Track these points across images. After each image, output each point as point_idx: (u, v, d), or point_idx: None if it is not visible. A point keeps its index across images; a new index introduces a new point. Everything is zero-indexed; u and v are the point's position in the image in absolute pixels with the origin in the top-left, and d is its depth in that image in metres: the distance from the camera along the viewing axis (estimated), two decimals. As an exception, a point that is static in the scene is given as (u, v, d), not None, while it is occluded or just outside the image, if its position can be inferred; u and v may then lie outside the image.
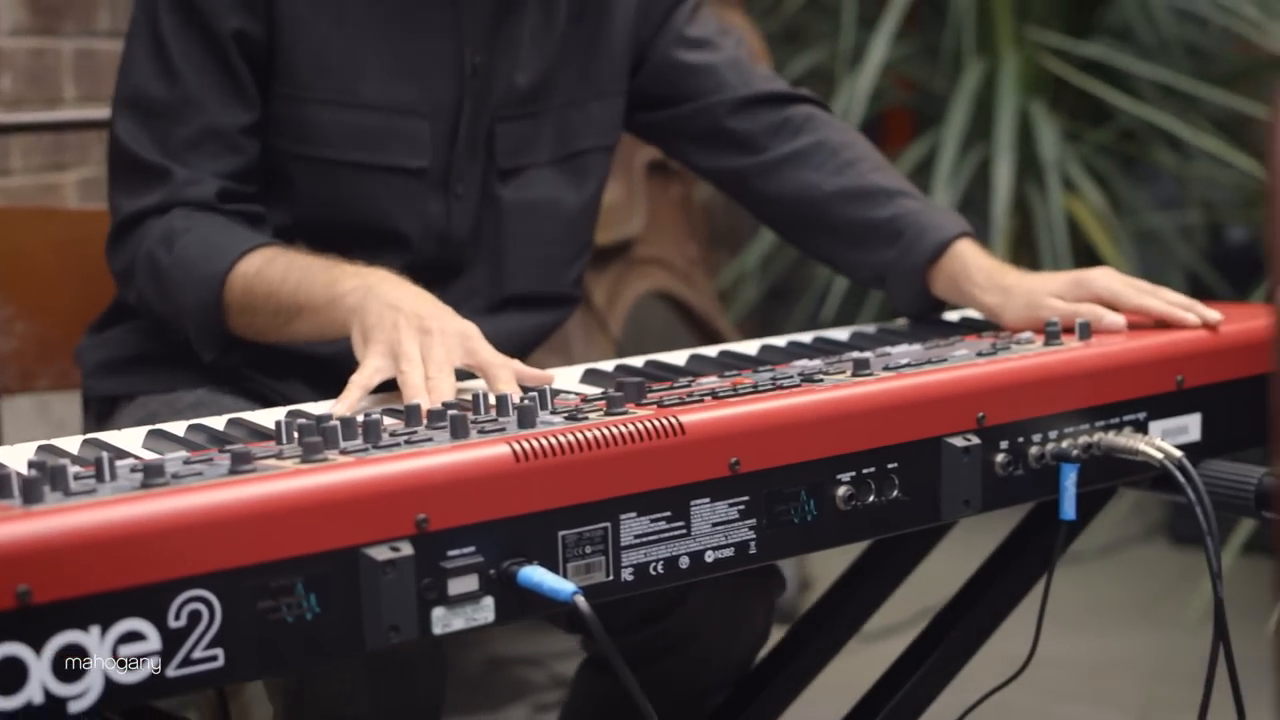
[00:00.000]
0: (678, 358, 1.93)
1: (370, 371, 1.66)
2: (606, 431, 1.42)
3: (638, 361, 1.92)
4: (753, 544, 1.51)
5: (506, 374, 1.66)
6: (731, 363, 1.90)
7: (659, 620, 1.97)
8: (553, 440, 1.40)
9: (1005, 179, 4.29)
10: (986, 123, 4.51)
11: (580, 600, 1.35)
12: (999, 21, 4.58)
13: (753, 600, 2.01)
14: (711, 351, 1.97)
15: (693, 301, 3.85)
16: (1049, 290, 1.96)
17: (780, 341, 2.02)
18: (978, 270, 2.02)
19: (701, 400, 1.53)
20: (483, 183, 2.06)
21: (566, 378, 1.86)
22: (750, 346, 1.99)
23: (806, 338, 2.06)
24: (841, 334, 2.08)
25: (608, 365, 1.90)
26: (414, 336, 1.67)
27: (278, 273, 1.84)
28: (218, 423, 1.66)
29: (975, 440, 1.64)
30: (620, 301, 3.48)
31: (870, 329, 2.10)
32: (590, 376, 1.86)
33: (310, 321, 1.80)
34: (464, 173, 2.04)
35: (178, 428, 1.64)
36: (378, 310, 1.71)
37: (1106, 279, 1.96)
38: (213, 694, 1.99)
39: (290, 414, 1.67)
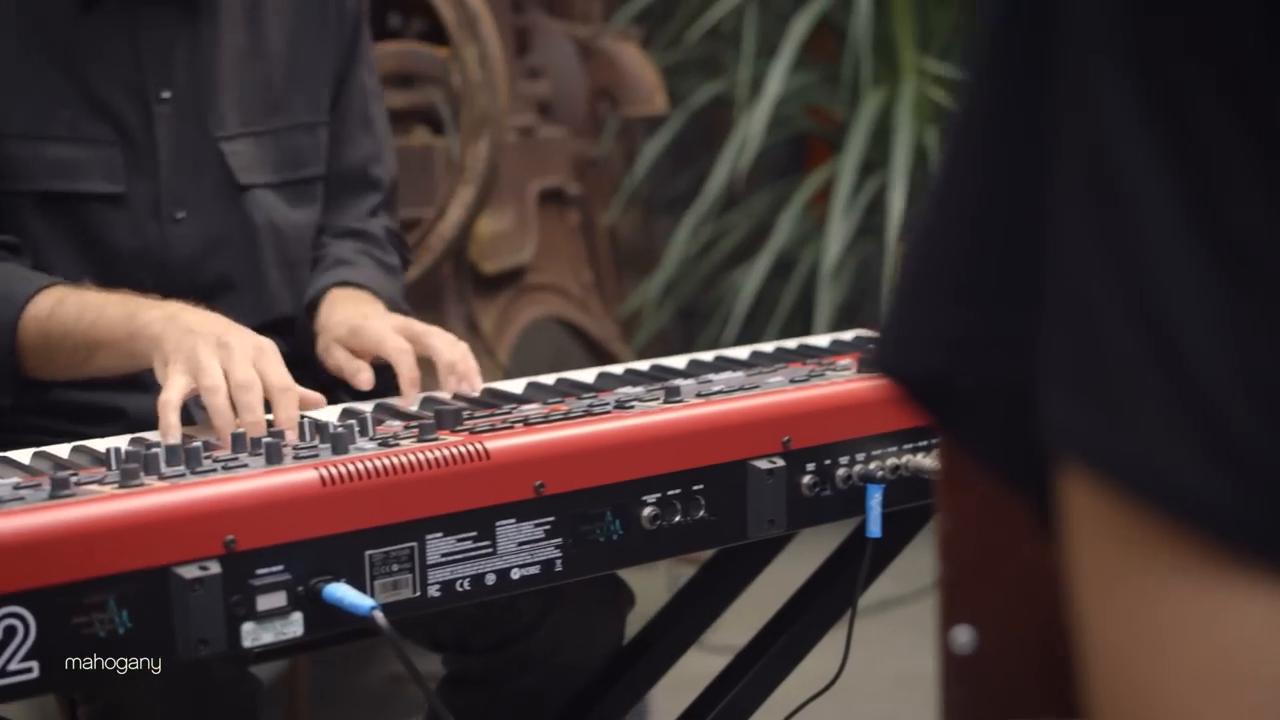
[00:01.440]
0: (515, 385, 2.03)
1: (174, 390, 1.74)
2: (414, 457, 1.52)
3: (474, 391, 2.01)
4: (559, 562, 1.61)
5: (286, 399, 1.76)
6: (565, 390, 1.99)
7: (520, 640, 2.07)
8: (360, 465, 1.49)
9: (899, 206, 4.41)
10: (886, 151, 4.63)
11: (378, 615, 1.44)
12: (900, 51, 4.70)
13: (605, 615, 2.11)
14: (549, 379, 2.07)
15: (589, 327, 3.95)
16: (336, 336, 2.03)
17: (618, 369, 2.12)
18: (340, 304, 2.09)
19: (512, 427, 1.63)
20: (221, 204, 2.16)
21: (402, 404, 1.96)
22: (589, 374, 2.09)
23: (645, 365, 2.16)
24: (706, 356, 2.18)
25: (446, 394, 2.00)
26: (212, 352, 1.76)
27: (71, 312, 1.92)
28: (63, 450, 1.75)
29: (780, 463, 1.74)
30: (509, 329, 3.58)
31: (743, 353, 2.20)
32: (427, 404, 1.96)
33: (110, 355, 1.89)
34: (182, 197, 2.13)
35: (23, 455, 1.74)
36: (176, 336, 1.80)
37: (377, 327, 1.99)
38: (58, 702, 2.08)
39: (133, 440, 1.77)
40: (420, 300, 3.25)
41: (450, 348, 1.96)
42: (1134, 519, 0.58)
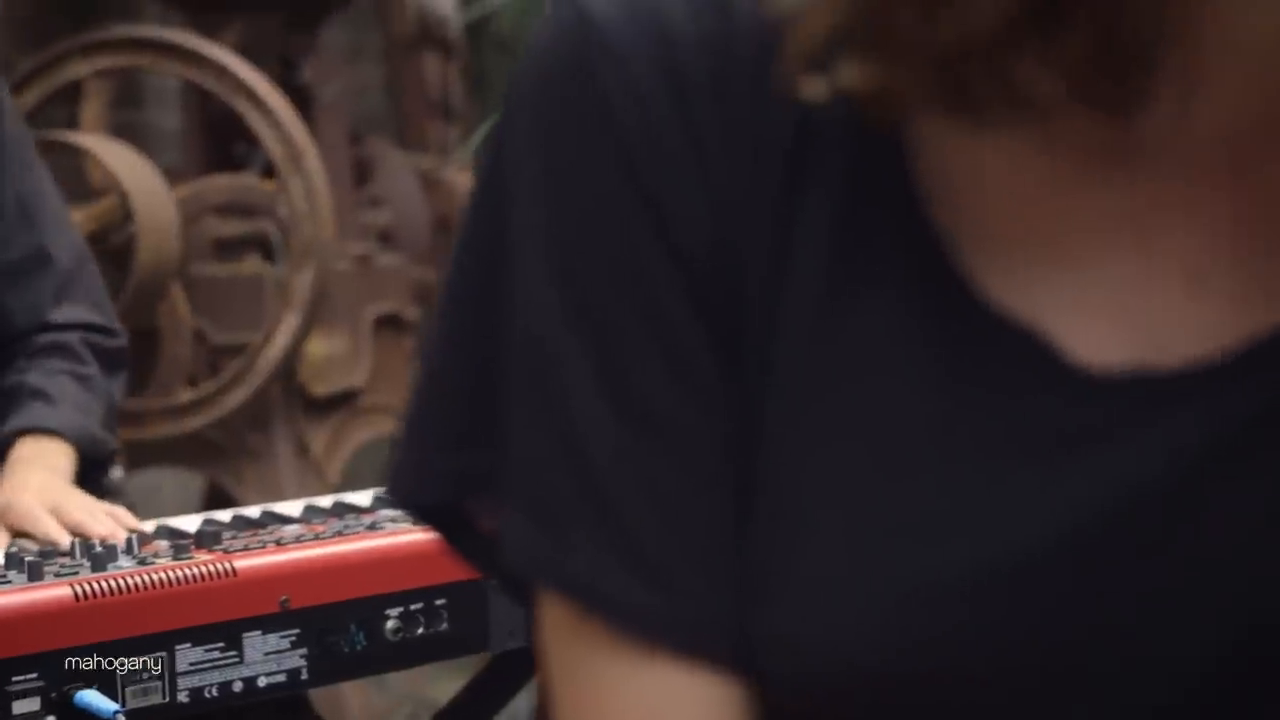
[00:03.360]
0: (293, 508, 2.18)
1: None
2: (164, 574, 1.68)
3: (254, 511, 2.16)
4: (304, 670, 1.76)
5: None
6: (340, 512, 2.15)
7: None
8: (114, 582, 1.65)
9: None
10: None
11: (121, 719, 1.59)
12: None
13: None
14: (326, 502, 2.22)
15: (425, 446, 4.10)
16: None
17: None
18: (14, 468, 2.10)
19: (264, 546, 1.79)
20: None
21: (186, 524, 2.11)
22: (364, 497, 2.25)
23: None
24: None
25: (225, 515, 2.15)
26: None
27: None
28: None
29: (523, 579, 1.90)
30: (340, 450, 3.72)
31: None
32: (208, 524, 2.11)
33: None
34: None
35: None
36: None
37: (26, 505, 1.98)
38: None
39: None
40: (248, 422, 3.40)
41: (96, 522, 1.97)
42: (577, 618, 0.74)
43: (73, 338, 2.25)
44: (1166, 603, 0.67)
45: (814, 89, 0.66)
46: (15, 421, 2.15)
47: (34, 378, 2.19)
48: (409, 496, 0.82)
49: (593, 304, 0.70)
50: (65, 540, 1.87)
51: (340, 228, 3.61)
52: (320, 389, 3.64)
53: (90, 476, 2.16)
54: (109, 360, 2.30)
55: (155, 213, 3.16)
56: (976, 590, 0.68)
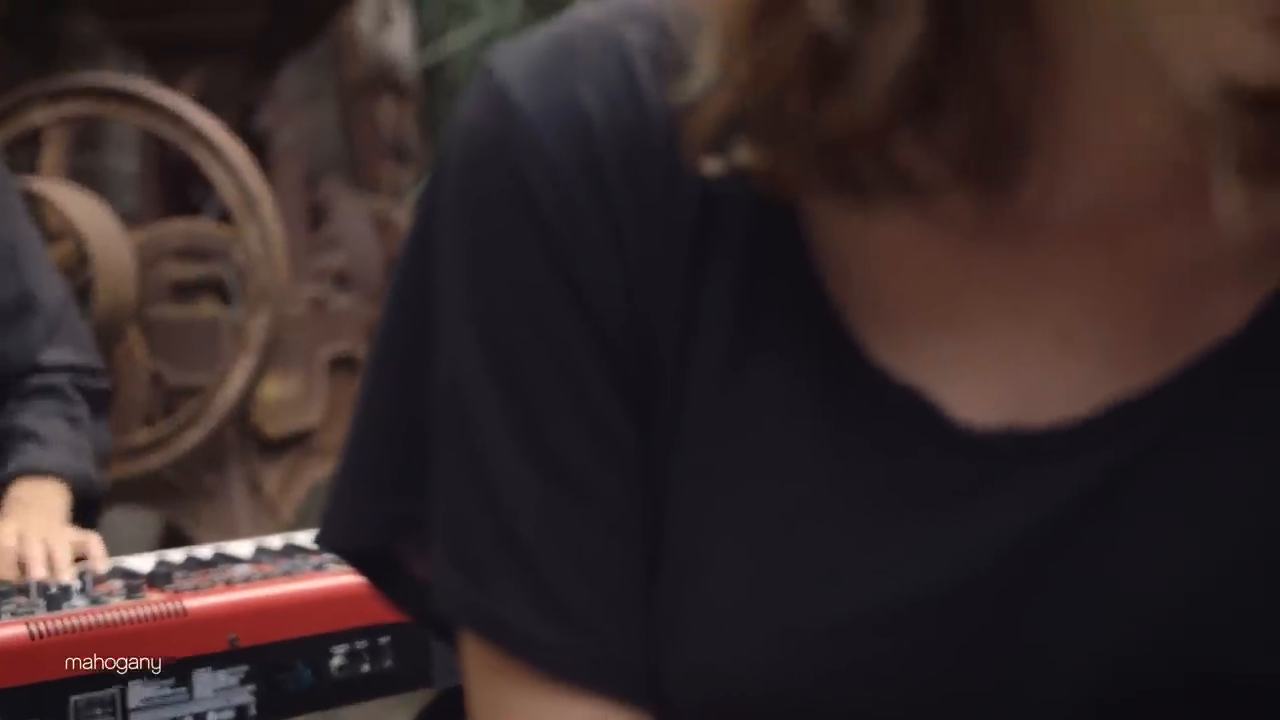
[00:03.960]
0: (245, 548, 2.24)
1: None
2: (116, 614, 1.74)
3: (206, 551, 2.22)
4: (252, 706, 1.82)
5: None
6: (289, 552, 2.20)
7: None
8: (68, 621, 1.71)
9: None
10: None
11: (73, 753, 1.65)
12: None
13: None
14: (277, 542, 2.27)
15: (378, 485, 4.14)
16: None
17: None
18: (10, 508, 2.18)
19: (214, 585, 1.85)
20: None
21: (140, 564, 2.16)
22: (313, 538, 2.30)
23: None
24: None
25: (178, 554, 2.20)
26: None
27: None
28: None
29: (465, 618, 1.96)
30: (293, 490, 3.77)
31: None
32: (160, 564, 2.17)
33: None
34: None
35: None
36: None
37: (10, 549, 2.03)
38: None
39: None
40: (204, 463, 3.45)
41: (39, 567, 2.02)
42: (498, 659, 0.80)
43: (62, 379, 2.32)
44: (1040, 644, 0.73)
45: (714, 167, 0.70)
46: (12, 464, 2.22)
47: (27, 420, 2.26)
48: (341, 541, 0.87)
49: (513, 366, 0.75)
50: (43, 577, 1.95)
51: (295, 269, 3.67)
52: (274, 430, 3.69)
53: (84, 515, 2.23)
54: (96, 401, 2.37)
55: (112, 257, 3.21)
56: (866, 632, 0.73)
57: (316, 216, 4.25)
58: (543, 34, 0.76)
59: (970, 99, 0.66)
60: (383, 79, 4.93)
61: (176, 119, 3.31)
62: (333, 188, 4.37)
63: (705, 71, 0.69)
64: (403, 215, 4.46)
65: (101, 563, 2.06)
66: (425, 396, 0.79)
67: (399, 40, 5.13)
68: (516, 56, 0.76)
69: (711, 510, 0.76)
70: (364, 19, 4.93)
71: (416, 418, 0.79)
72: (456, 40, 5.40)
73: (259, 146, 3.80)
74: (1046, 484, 0.72)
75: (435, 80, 5.38)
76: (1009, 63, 0.66)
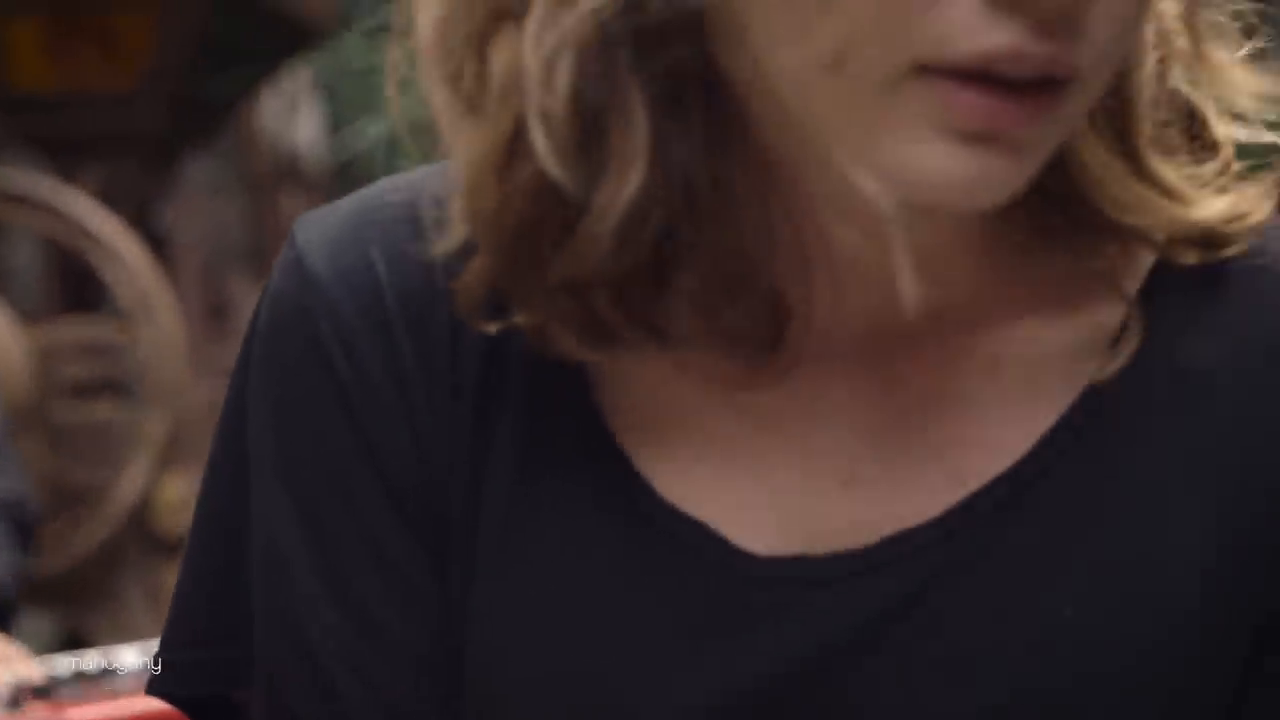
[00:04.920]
0: (136, 654, 2.22)
1: None
2: (-3, 728, 1.72)
3: (96, 658, 2.20)
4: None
5: None
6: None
7: None
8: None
9: None
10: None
11: None
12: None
13: None
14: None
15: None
16: None
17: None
18: None
19: (100, 695, 1.84)
20: None
21: (28, 671, 2.14)
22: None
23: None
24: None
25: (67, 661, 2.19)
26: None
27: None
28: None
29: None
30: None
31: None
32: (47, 674, 2.15)
33: None
34: None
35: None
36: None
37: None
38: None
39: None
40: (99, 565, 3.42)
41: None
42: None
43: None
44: None
45: (488, 326, 0.73)
46: None
47: None
48: (176, 689, 0.89)
49: (319, 521, 0.78)
50: None
51: (197, 365, 3.65)
52: (174, 530, 3.66)
53: None
54: (22, 530, 2.39)
55: (8, 355, 3.19)
56: None
57: (219, 311, 4.25)
58: (343, 202, 0.79)
59: (707, 246, 0.68)
60: (288, 171, 4.94)
61: (71, 221, 3.31)
62: (236, 282, 4.36)
63: (456, 229, 0.73)
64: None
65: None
66: (244, 545, 0.81)
67: (306, 132, 5.14)
68: (317, 225, 0.79)
69: (510, 642, 0.78)
70: (270, 112, 4.95)
71: (240, 571, 0.82)
72: (367, 131, 5.41)
73: (160, 243, 3.80)
74: (830, 611, 0.74)
75: (347, 172, 5.38)
76: (742, 204, 0.68)
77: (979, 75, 0.62)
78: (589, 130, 0.67)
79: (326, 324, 0.76)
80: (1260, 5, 0.75)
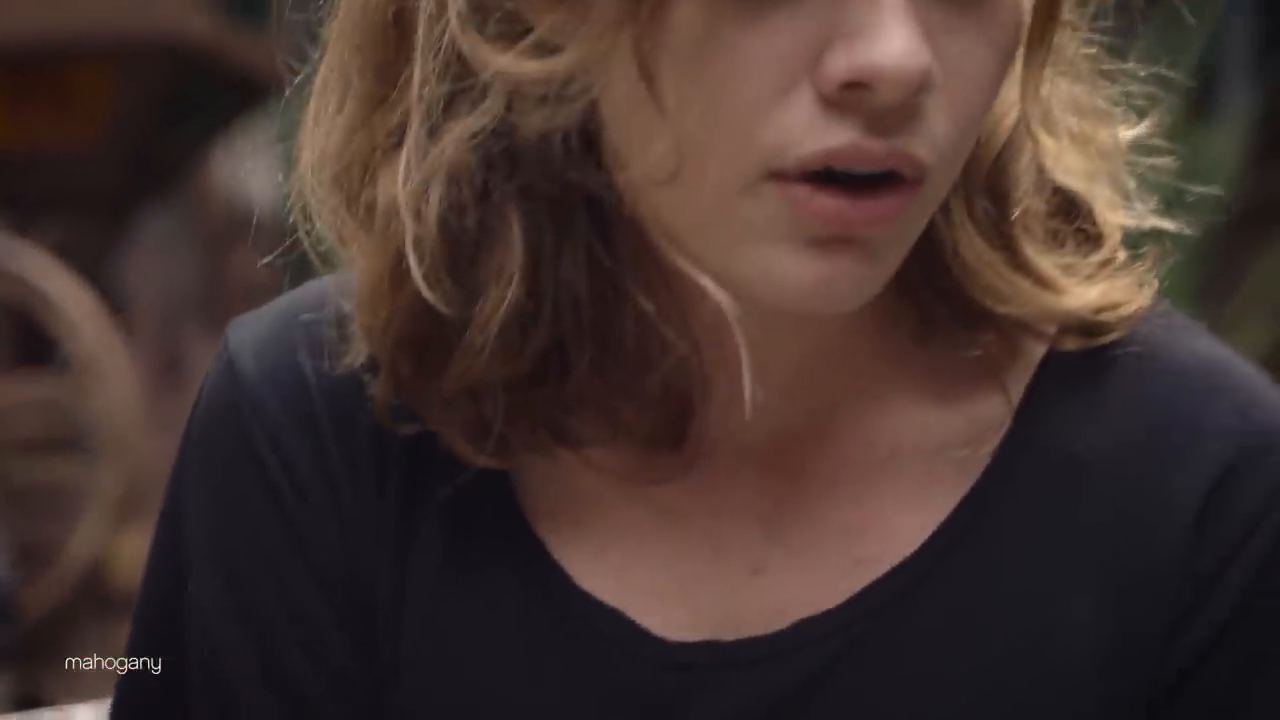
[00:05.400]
0: (91, 714, 2.21)
1: None
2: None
3: (50, 718, 2.19)
4: None
5: None
6: None
7: None
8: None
9: None
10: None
11: None
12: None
13: None
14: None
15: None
16: None
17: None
18: None
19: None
20: None
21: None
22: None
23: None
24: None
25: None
26: None
27: None
28: None
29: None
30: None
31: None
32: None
33: None
34: None
35: None
36: None
37: None
38: None
39: None
40: (53, 624, 3.40)
41: None
42: None
43: None
44: None
45: (405, 429, 0.77)
46: None
47: None
48: None
49: (253, 607, 0.81)
50: None
51: (152, 420, 3.64)
52: (130, 587, 3.64)
53: None
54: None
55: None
56: None
57: (175, 365, 4.24)
58: (273, 304, 0.83)
59: (596, 351, 0.72)
60: (241, 227, 4.94)
61: (23, 277, 3.30)
62: (190, 337, 4.36)
63: (356, 342, 0.77)
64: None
65: None
66: (185, 632, 0.84)
67: (259, 187, 5.15)
68: (247, 328, 0.83)
69: None
70: (223, 167, 4.95)
71: (179, 653, 0.84)
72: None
73: (116, 297, 3.79)
74: (741, 693, 0.77)
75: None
76: (631, 309, 0.71)
77: (825, 176, 0.66)
78: (463, 252, 0.71)
79: (256, 423, 0.81)
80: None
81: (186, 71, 4.22)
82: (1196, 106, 3.14)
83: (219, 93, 4.50)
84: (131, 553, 3.67)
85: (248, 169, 5.06)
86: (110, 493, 3.32)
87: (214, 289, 5.06)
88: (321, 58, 0.76)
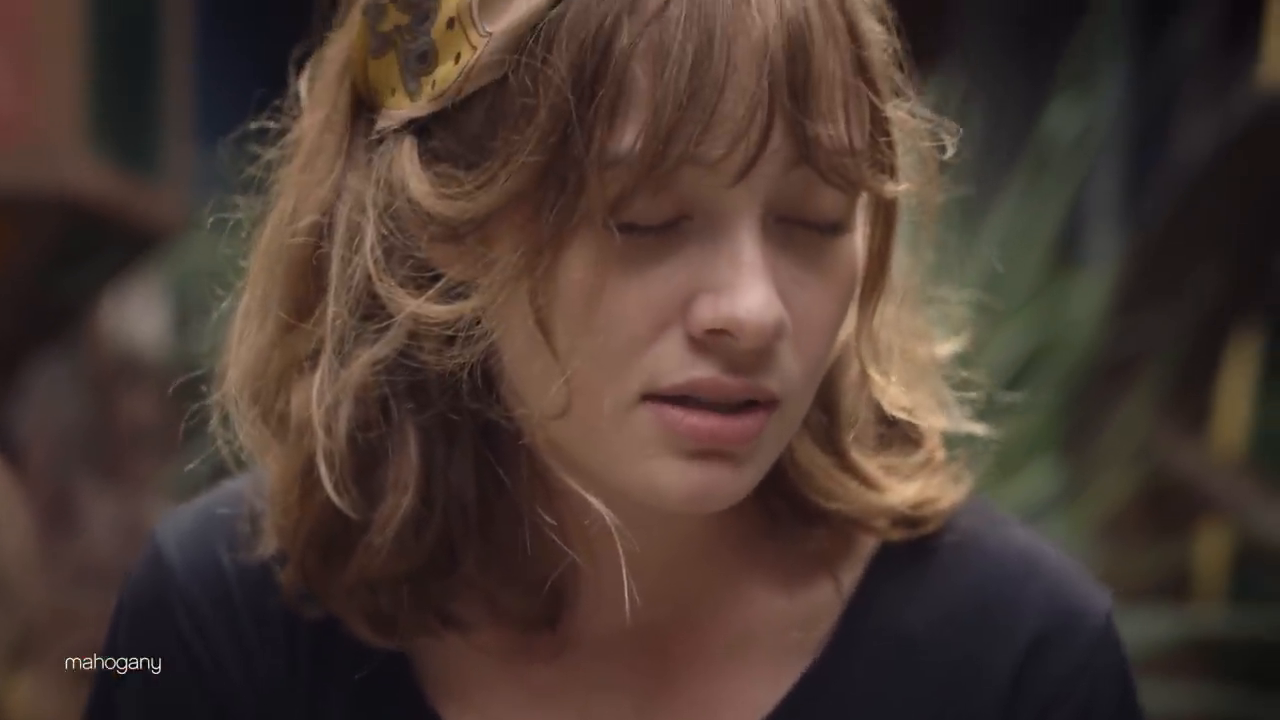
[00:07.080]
0: None
1: None
2: None
3: None
4: None
5: None
6: None
7: None
8: None
9: None
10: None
11: None
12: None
13: None
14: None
15: None
16: None
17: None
18: None
19: None
20: None
21: None
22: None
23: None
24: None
25: None
26: None
27: None
28: None
29: None
30: None
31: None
32: None
33: None
34: None
35: None
36: None
37: None
38: None
39: None
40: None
41: None
42: None
43: None
44: None
45: (312, 612, 0.87)
46: None
47: None
48: None
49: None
50: None
51: (41, 564, 3.62)
52: (25, 732, 3.62)
53: None
54: None
55: None
56: None
57: (62, 510, 4.22)
58: (195, 502, 0.93)
59: (480, 547, 0.82)
60: (129, 369, 4.93)
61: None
62: (80, 481, 4.35)
63: (267, 536, 0.87)
64: (152, 507, 4.44)
65: None
66: None
67: (150, 331, 5.15)
68: (173, 522, 0.92)
69: None
70: (114, 311, 4.96)
71: None
72: (211, 330, 5.41)
73: (7, 442, 3.79)
74: None
75: (189, 370, 5.36)
76: (513, 511, 0.82)
77: (692, 400, 0.78)
78: (366, 463, 0.80)
79: (182, 613, 0.91)
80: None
81: (77, 221, 4.25)
82: (1063, 252, 3.23)
83: (110, 241, 4.53)
84: (23, 697, 3.65)
85: (138, 316, 5.08)
86: (3, 639, 3.32)
87: (102, 434, 5.04)
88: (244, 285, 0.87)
